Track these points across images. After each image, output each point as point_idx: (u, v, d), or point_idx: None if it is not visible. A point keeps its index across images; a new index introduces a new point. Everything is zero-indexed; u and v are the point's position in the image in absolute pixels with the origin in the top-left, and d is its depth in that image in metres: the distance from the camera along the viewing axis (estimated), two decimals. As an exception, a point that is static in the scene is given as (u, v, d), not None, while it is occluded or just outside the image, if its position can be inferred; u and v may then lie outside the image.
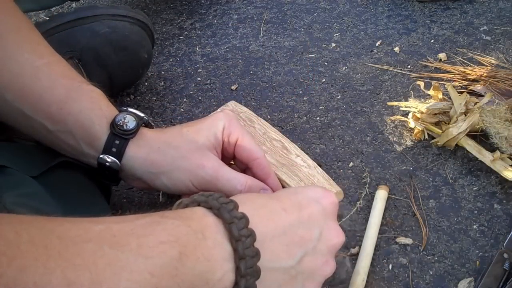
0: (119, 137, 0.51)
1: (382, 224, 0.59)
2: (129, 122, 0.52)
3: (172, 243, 0.35)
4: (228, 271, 0.37)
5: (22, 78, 0.50)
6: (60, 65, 0.53)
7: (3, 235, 0.30)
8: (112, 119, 0.52)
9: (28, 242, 0.30)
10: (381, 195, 0.61)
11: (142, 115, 0.55)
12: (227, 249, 0.38)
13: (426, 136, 0.68)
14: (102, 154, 0.51)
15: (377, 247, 0.57)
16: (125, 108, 0.54)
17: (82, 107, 0.51)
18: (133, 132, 0.52)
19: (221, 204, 0.39)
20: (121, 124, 0.51)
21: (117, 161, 0.51)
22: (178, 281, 0.34)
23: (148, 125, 0.56)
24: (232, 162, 0.60)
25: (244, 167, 0.59)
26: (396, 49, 0.84)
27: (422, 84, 0.74)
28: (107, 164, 0.51)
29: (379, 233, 0.58)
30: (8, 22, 0.52)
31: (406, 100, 0.72)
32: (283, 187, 0.61)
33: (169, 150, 0.52)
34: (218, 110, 0.64)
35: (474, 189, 0.62)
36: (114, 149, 0.51)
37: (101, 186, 0.57)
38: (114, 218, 0.36)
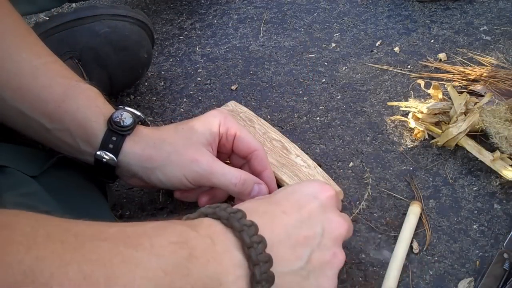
0: (116, 134, 0.52)
1: (382, 224, 0.59)
2: (126, 118, 0.52)
3: (181, 244, 0.36)
4: (240, 276, 0.38)
5: (20, 77, 0.50)
6: (57, 64, 0.54)
7: (20, 228, 0.31)
8: (109, 116, 0.52)
9: (44, 236, 0.31)
10: (414, 211, 0.59)
11: (138, 113, 0.55)
12: (237, 256, 0.38)
13: (426, 136, 0.68)
14: (99, 150, 0.52)
15: (376, 247, 0.57)
16: (122, 107, 0.54)
17: (79, 105, 0.51)
18: (130, 129, 0.52)
19: (229, 214, 0.40)
20: (118, 120, 0.52)
21: (114, 157, 0.52)
22: (191, 281, 0.35)
23: (144, 123, 0.56)
24: (228, 161, 0.60)
25: (241, 164, 0.59)
26: (396, 49, 0.84)
27: (422, 82, 0.74)
28: (104, 160, 0.52)
29: (379, 233, 0.58)
30: (5, 22, 0.52)
31: (406, 100, 0.72)
32: (282, 186, 0.61)
33: (164, 145, 0.53)
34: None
35: (474, 189, 0.62)
36: (111, 146, 0.51)
37: (99, 185, 0.57)
38: (126, 223, 0.37)
